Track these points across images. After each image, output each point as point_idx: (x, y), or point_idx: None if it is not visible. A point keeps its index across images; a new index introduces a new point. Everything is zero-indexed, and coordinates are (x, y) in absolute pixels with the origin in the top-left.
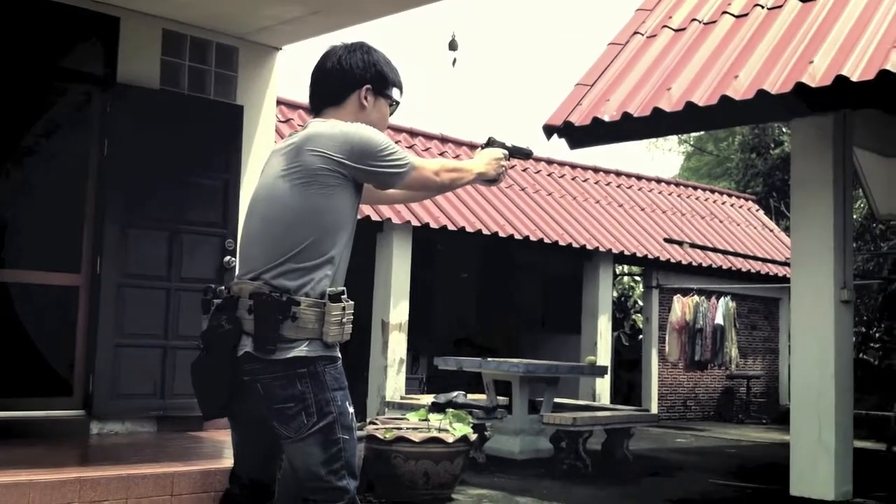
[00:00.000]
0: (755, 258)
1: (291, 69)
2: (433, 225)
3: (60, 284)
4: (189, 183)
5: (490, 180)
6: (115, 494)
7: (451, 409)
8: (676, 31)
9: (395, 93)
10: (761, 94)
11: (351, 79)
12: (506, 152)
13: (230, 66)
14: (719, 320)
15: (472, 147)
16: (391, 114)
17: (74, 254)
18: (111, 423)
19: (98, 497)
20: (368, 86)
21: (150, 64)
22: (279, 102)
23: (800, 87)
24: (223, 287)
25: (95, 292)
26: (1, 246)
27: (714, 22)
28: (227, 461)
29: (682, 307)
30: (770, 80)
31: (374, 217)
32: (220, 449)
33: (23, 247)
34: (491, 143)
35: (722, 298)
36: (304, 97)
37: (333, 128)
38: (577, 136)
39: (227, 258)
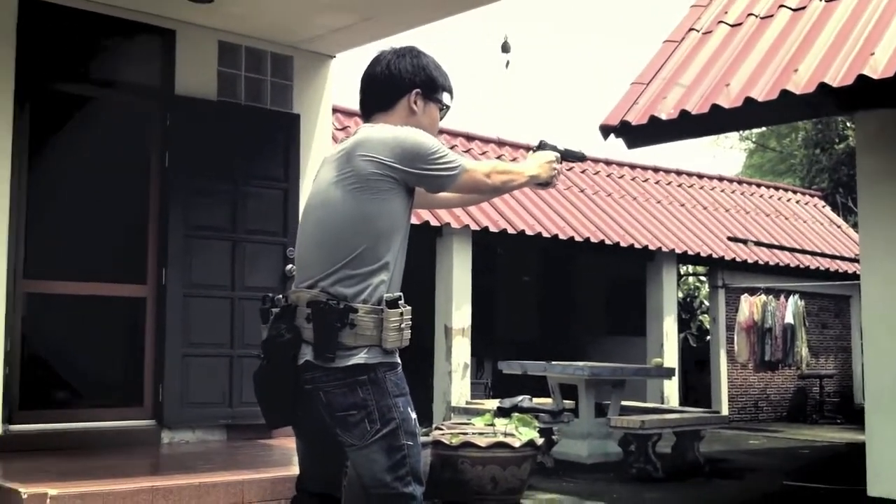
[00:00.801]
0: (823, 255)
1: (347, 77)
2: (493, 229)
3: (128, 296)
4: (249, 192)
5: (542, 183)
6: (188, 502)
7: (516, 414)
8: (733, 26)
9: (444, 97)
10: (822, 87)
11: (400, 83)
12: (558, 155)
13: (285, 75)
14: (789, 319)
15: (529, 150)
16: (441, 118)
17: (141, 265)
18: (181, 432)
19: None
20: (418, 90)
21: (207, 75)
22: (335, 110)
23: (862, 80)
24: (281, 296)
25: (162, 303)
26: (71, 259)
27: (771, 16)
28: (296, 468)
29: (749, 307)
30: (831, 73)
31: (433, 222)
32: (288, 456)
33: (91, 259)
34: (542, 146)
35: (791, 297)
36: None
37: (383, 132)
38: (635, 135)
39: (289, 266)
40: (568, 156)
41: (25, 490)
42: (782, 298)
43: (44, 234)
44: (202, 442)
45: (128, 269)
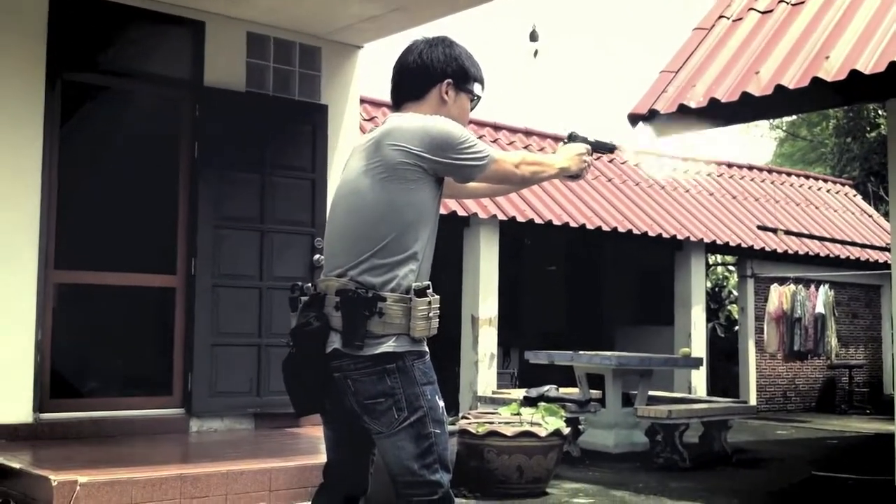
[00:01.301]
0: (854, 244)
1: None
2: (520, 218)
3: (158, 286)
4: (277, 183)
5: (573, 175)
6: (216, 490)
7: (543, 403)
8: (763, 13)
9: (476, 87)
10: (854, 74)
11: (432, 73)
12: (589, 147)
13: (314, 66)
14: (820, 309)
15: (557, 140)
16: (472, 109)
17: (171, 256)
18: (210, 421)
19: (199, 493)
20: (449, 80)
21: (235, 66)
22: (363, 101)
23: (894, 67)
24: (310, 284)
25: (191, 293)
26: (102, 250)
27: (802, 2)
28: (323, 456)
29: (779, 297)
30: (863, 60)
31: (461, 212)
32: (316, 444)
33: (122, 250)
34: (573, 137)
35: (821, 287)
36: (387, 95)
37: (412, 121)
38: (663, 123)
39: (317, 256)
40: (599, 147)
41: (56, 477)
42: (812, 288)
43: (74, 224)
44: (230, 430)
45: (158, 260)
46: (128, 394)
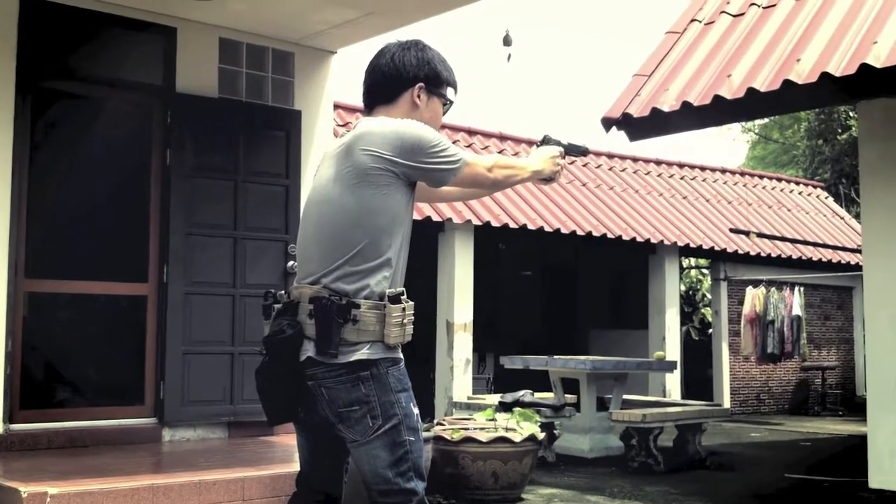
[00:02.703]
0: (825, 246)
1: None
2: (494, 223)
3: (130, 294)
4: (250, 190)
5: (546, 179)
6: (188, 500)
7: (518, 409)
8: (735, 16)
9: (449, 92)
10: (825, 77)
11: (404, 76)
12: (562, 150)
13: (286, 72)
14: (797, 311)
15: (531, 144)
16: (444, 113)
17: (142, 263)
18: (182, 430)
19: (171, 503)
20: (421, 84)
21: (208, 72)
22: (337, 106)
23: (864, 69)
24: (283, 292)
25: (163, 301)
26: (73, 258)
27: (773, 5)
28: (297, 465)
29: (753, 299)
30: (833, 62)
31: (435, 217)
32: (289, 453)
33: (93, 258)
34: (546, 140)
35: (795, 288)
36: (361, 100)
37: (383, 125)
38: (637, 127)
39: (291, 263)
40: (571, 150)
41: (25, 489)
42: (787, 290)
43: (44, 232)
44: (203, 440)
45: (129, 268)
46: (99, 403)
